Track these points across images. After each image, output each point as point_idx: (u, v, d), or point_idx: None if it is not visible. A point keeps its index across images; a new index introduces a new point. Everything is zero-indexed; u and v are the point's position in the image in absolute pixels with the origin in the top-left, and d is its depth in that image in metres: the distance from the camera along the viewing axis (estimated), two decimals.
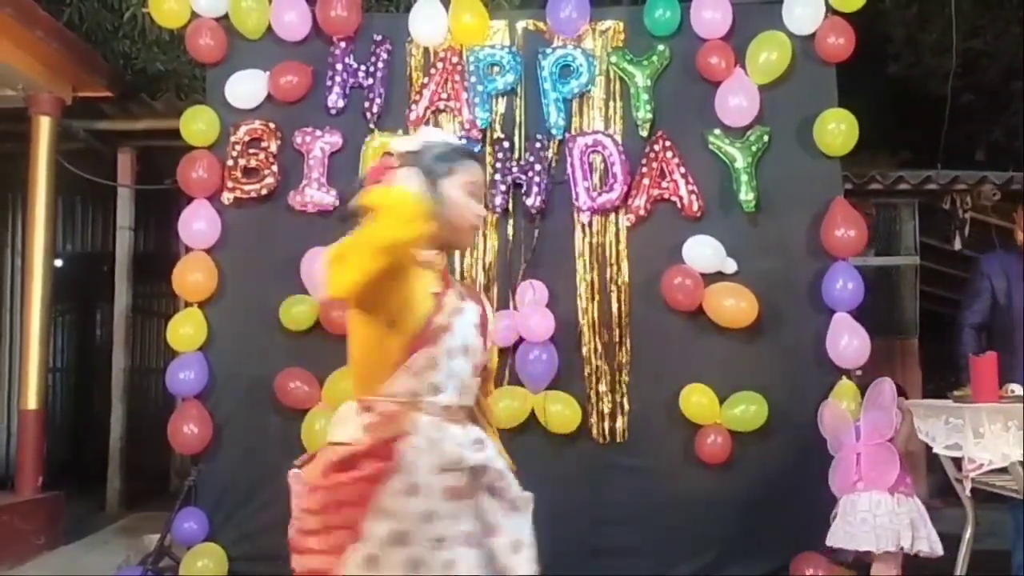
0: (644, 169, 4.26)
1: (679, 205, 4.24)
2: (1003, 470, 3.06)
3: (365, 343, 2.00)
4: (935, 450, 3.28)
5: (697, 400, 4.07)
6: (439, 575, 1.86)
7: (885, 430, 3.58)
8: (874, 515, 3.47)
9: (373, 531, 1.86)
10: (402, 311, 1.95)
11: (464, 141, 2.39)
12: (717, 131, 4.27)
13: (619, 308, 4.23)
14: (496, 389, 2.40)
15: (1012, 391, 3.32)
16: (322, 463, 1.95)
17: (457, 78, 4.35)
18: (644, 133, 4.30)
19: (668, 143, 4.26)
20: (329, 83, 4.38)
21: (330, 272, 1.81)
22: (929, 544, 3.47)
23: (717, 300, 4.13)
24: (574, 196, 4.26)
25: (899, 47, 8.71)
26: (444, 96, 4.36)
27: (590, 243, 4.27)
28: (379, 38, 4.41)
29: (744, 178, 4.22)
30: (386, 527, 1.86)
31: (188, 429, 4.17)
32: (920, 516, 3.53)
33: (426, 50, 4.42)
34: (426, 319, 1.97)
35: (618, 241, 4.28)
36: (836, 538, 3.59)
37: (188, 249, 4.40)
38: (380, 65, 4.39)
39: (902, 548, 3.44)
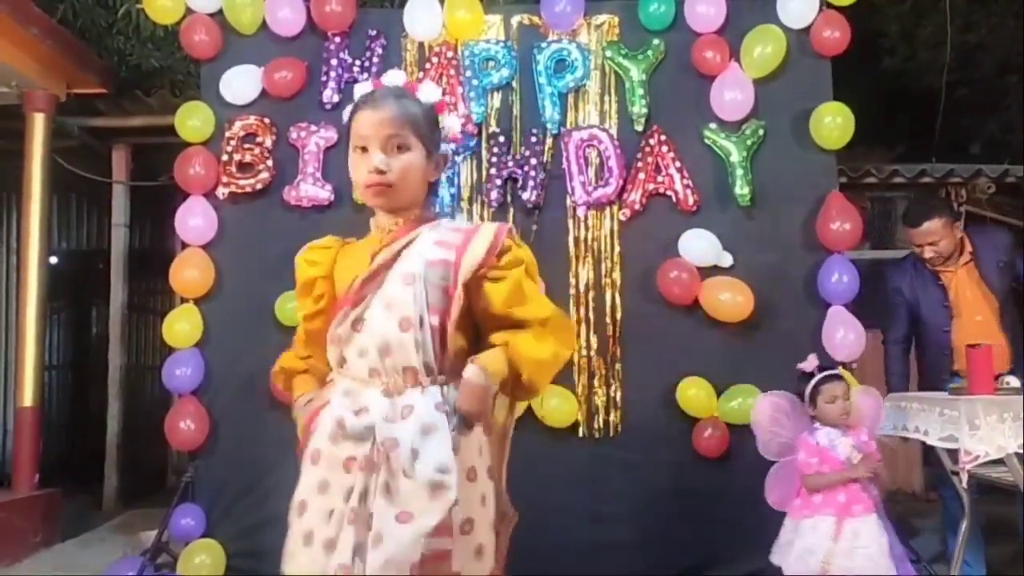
0: (639, 163, 4.26)
1: (674, 199, 4.25)
2: (999, 461, 3.08)
3: (320, 315, 2.04)
4: (929, 442, 3.30)
5: (694, 393, 4.08)
6: (319, 554, 1.81)
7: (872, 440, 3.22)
8: (878, 543, 3.04)
9: (293, 498, 1.90)
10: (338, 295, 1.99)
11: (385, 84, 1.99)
12: (712, 125, 4.27)
13: (615, 302, 4.24)
14: None
15: (1007, 383, 3.34)
16: None
17: (452, 73, 4.35)
18: (639, 127, 4.30)
19: (663, 137, 4.26)
20: (324, 78, 4.37)
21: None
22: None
23: (713, 294, 4.14)
24: (569, 190, 4.26)
25: (893, 41, 8.71)
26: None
27: (585, 237, 4.28)
28: (374, 33, 4.40)
29: (739, 172, 4.22)
30: (296, 495, 1.89)
31: (185, 425, 4.16)
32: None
33: (421, 45, 4.42)
34: (351, 281, 1.92)
35: (613, 235, 4.28)
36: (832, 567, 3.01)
37: (183, 245, 4.40)
38: (375, 60, 4.38)
39: None
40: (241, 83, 4.37)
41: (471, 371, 1.87)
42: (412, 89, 2.00)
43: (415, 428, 1.82)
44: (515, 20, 4.44)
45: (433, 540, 1.76)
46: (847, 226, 4.13)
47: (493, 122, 4.35)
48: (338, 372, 1.94)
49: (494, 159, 4.28)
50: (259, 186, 4.32)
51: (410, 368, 1.87)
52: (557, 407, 4.07)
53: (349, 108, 2.00)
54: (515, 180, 4.28)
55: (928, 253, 3.94)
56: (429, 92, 2.01)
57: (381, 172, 1.88)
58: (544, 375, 1.98)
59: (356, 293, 1.89)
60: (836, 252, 4.17)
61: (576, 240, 4.28)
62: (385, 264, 1.91)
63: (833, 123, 4.20)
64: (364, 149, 1.90)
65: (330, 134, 4.31)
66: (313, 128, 4.32)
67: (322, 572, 1.77)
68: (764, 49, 4.24)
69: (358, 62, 4.38)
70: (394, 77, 2.01)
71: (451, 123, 2.04)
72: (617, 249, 4.27)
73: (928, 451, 3.66)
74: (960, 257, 3.96)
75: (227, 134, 4.33)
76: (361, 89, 2.00)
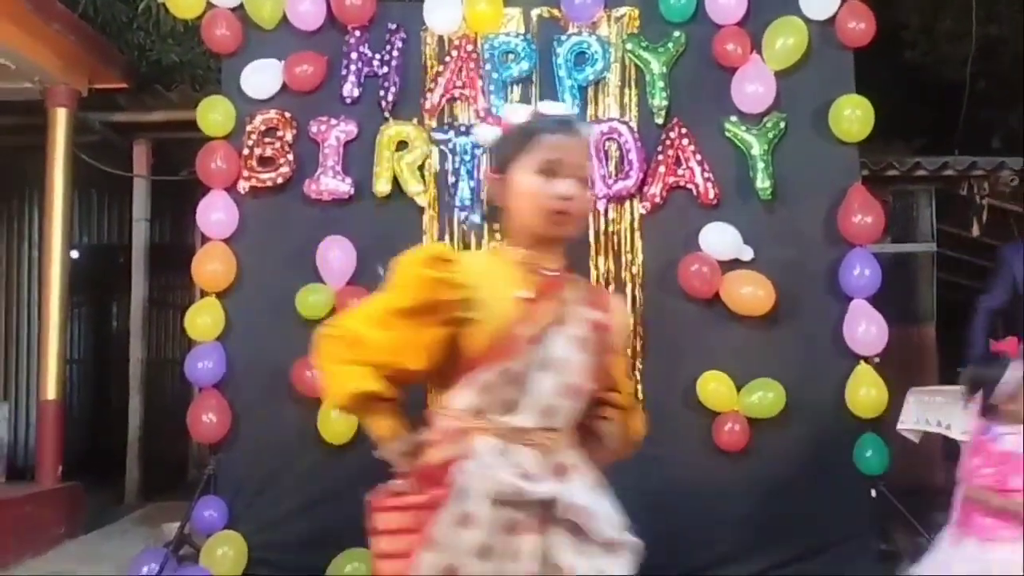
0: (660, 156, 4.25)
1: (695, 192, 4.23)
2: None
3: (435, 343, 1.75)
4: (951, 436, 3.28)
5: (714, 387, 4.07)
6: None
7: None
8: None
9: (424, 562, 1.67)
10: (470, 325, 1.75)
11: (560, 112, 1.92)
12: (733, 118, 4.25)
13: (635, 295, 4.23)
14: None
15: None
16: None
17: (472, 66, 4.35)
18: (660, 120, 4.28)
19: (684, 130, 4.24)
20: (344, 72, 4.38)
21: (324, 381, 1.80)
22: None
23: (734, 287, 4.12)
24: (589, 184, 4.25)
25: (914, 34, 8.65)
26: (459, 84, 4.35)
27: (606, 230, 4.27)
28: (394, 27, 4.41)
29: (760, 165, 4.20)
30: (436, 559, 1.67)
31: (207, 418, 4.18)
32: None
33: (441, 38, 4.42)
34: (507, 327, 1.74)
35: (633, 228, 4.27)
36: None
37: (204, 240, 4.42)
38: (395, 54, 4.38)
39: None
40: (261, 77, 4.38)
41: (610, 429, 1.90)
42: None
43: (585, 488, 1.77)
44: (535, 13, 4.42)
45: None
46: (869, 219, 4.10)
47: None
48: (469, 421, 1.75)
49: None
50: (280, 180, 4.34)
51: (560, 430, 1.79)
52: None
53: (498, 128, 1.93)
54: None
55: None
56: (590, 129, 2.00)
57: (568, 200, 1.77)
58: (629, 451, 2.04)
59: (520, 348, 1.73)
60: (858, 245, 4.14)
61: (596, 233, 4.27)
62: (554, 320, 1.78)
63: (853, 116, 4.17)
64: (552, 174, 1.77)
65: (350, 128, 4.32)
66: (333, 122, 4.33)
67: None
68: (786, 41, 4.21)
69: (378, 56, 4.38)
70: (555, 108, 1.96)
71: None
72: (637, 243, 4.25)
73: (951, 446, 3.64)
74: None
75: (248, 128, 4.34)
76: (514, 113, 1.94)
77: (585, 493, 1.76)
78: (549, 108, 1.93)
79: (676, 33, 4.31)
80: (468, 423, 1.74)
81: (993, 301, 4.12)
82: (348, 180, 4.29)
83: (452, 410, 1.77)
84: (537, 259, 1.81)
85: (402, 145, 4.32)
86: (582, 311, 1.81)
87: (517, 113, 1.93)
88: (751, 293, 4.11)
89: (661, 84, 4.27)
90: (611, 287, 4.22)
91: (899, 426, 3.66)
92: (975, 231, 6.34)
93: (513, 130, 1.86)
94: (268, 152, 4.34)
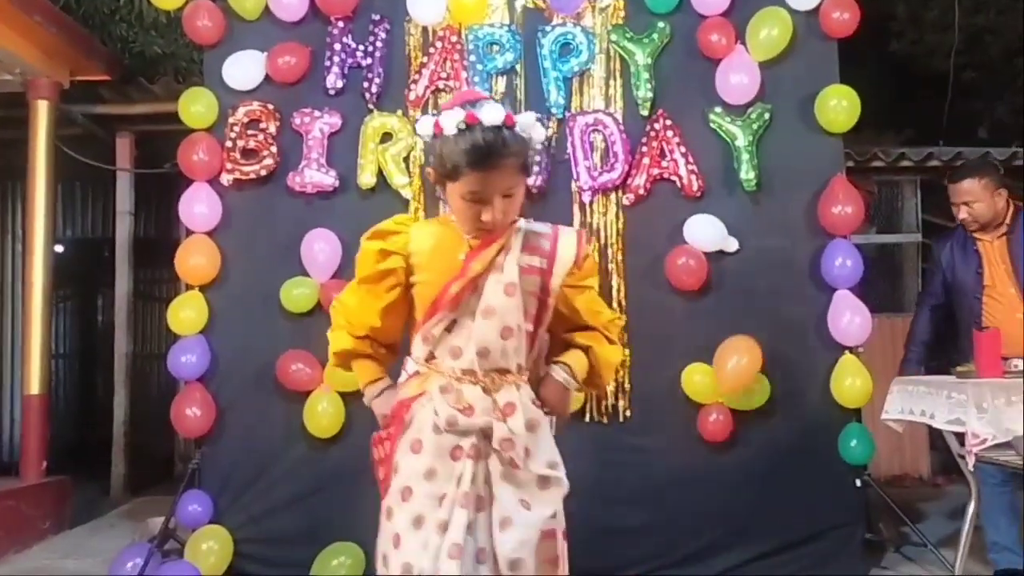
0: (644, 148, 4.23)
1: (679, 184, 4.22)
2: (1007, 444, 3.07)
3: (392, 304, 2.09)
4: (935, 426, 3.28)
5: (699, 379, 4.06)
6: (432, 535, 1.90)
7: None
8: None
9: (392, 486, 1.98)
10: (417, 286, 2.06)
11: (493, 120, 1.94)
12: (718, 109, 4.24)
13: (619, 287, 4.22)
14: None
15: (1016, 366, 3.33)
16: None
17: (456, 57, 4.32)
18: (644, 112, 4.26)
19: (668, 122, 4.23)
20: (327, 63, 4.35)
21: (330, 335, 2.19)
22: None
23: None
24: (575, 175, 4.24)
25: (901, 24, 8.67)
26: (443, 75, 4.33)
27: (591, 223, 4.26)
28: (377, 17, 4.38)
29: (745, 156, 4.19)
30: (397, 482, 1.97)
31: (191, 412, 4.17)
32: None
33: (425, 29, 4.39)
34: (444, 284, 1.99)
35: (618, 220, 4.25)
36: None
37: (188, 233, 4.40)
38: (379, 45, 4.36)
39: None
40: (244, 69, 4.35)
41: (559, 373, 2.12)
42: (510, 123, 1.97)
43: (522, 425, 1.97)
44: (519, 3, 4.40)
45: (547, 520, 1.99)
46: (849, 210, 4.10)
47: None
48: (424, 366, 2.04)
49: None
50: (263, 172, 4.31)
51: (505, 369, 2.01)
52: None
53: (435, 135, 2.01)
54: None
55: (962, 213, 3.86)
56: (528, 125, 2.02)
57: (491, 220, 1.99)
58: (612, 375, 2.29)
59: (453, 300, 1.98)
60: (839, 236, 4.14)
61: (581, 225, 4.25)
62: (482, 272, 2.00)
63: (839, 106, 4.16)
64: (477, 201, 1.97)
65: (334, 120, 4.30)
66: (317, 114, 4.31)
67: (436, 551, 1.89)
68: (770, 32, 4.20)
69: (361, 47, 4.36)
70: (493, 114, 1.95)
71: (538, 134, 2.06)
72: (621, 234, 4.24)
73: (935, 436, 3.65)
74: (998, 228, 3.87)
75: (231, 120, 4.32)
76: (452, 119, 1.96)
77: (522, 430, 1.97)
78: (487, 115, 1.95)
79: (661, 24, 4.29)
80: (424, 367, 2.04)
81: (931, 299, 4.10)
82: (332, 172, 4.27)
83: (414, 357, 2.08)
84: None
85: (387, 137, 4.30)
86: (514, 257, 2.03)
87: (451, 119, 1.97)
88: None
89: (646, 75, 4.26)
90: (597, 279, 4.21)
91: (883, 416, 3.66)
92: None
93: (443, 149, 1.97)
94: (251, 144, 4.31)
